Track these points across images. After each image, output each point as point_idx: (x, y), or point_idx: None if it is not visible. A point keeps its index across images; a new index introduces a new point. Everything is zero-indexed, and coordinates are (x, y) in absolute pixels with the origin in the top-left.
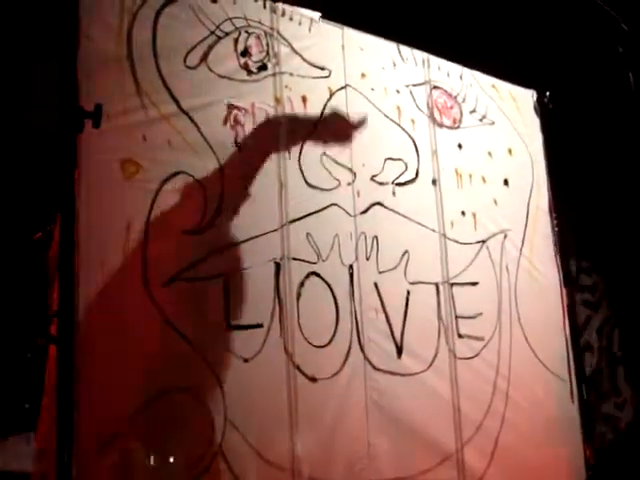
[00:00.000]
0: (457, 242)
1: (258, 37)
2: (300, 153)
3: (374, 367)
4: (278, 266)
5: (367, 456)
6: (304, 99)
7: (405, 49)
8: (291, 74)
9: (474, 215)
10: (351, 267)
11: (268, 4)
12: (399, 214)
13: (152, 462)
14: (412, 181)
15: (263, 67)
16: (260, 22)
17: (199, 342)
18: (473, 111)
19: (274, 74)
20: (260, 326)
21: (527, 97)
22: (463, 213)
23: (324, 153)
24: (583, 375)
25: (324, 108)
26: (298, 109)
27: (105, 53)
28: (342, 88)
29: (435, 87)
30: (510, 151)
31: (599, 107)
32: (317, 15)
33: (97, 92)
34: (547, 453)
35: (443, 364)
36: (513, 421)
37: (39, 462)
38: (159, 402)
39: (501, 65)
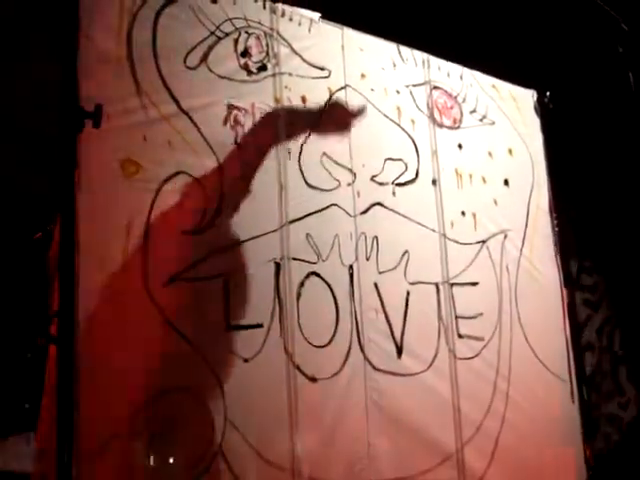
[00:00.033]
0: (457, 242)
1: (258, 38)
2: (300, 153)
3: (374, 367)
4: (278, 266)
5: (367, 456)
6: (304, 99)
7: (405, 49)
8: (290, 74)
9: (474, 215)
10: (351, 267)
11: (268, 5)
12: (399, 214)
13: (152, 462)
14: (412, 181)
15: (263, 67)
16: (260, 23)
17: (199, 342)
18: (473, 111)
19: (274, 74)
20: (260, 326)
21: (527, 97)
22: (463, 213)
23: (324, 153)
24: (583, 375)
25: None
26: None
27: (105, 53)
28: (342, 88)
29: (435, 87)
30: (510, 151)
31: (599, 107)
32: (317, 16)
33: (97, 92)
34: (547, 453)
35: (443, 364)
36: (513, 421)
37: (39, 462)
38: (159, 402)
39: (501, 65)
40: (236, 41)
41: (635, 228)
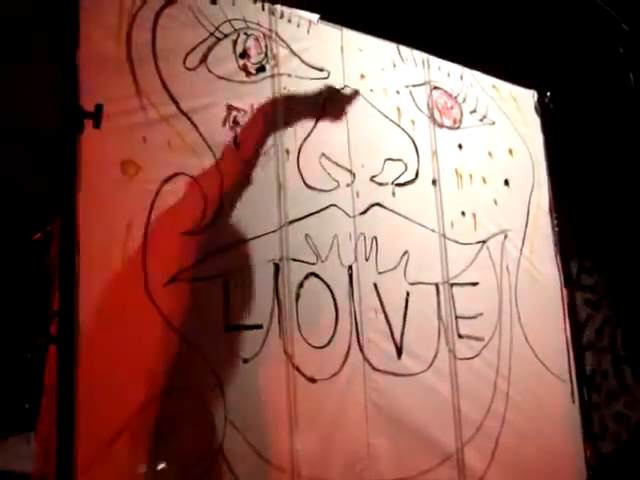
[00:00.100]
0: (457, 242)
1: (257, 39)
2: (299, 154)
3: (374, 368)
4: (277, 267)
5: (367, 456)
6: None
7: (405, 50)
8: (289, 75)
9: (474, 215)
10: (350, 268)
11: (267, 6)
12: (399, 214)
13: (152, 462)
14: (412, 181)
15: (262, 69)
16: (259, 24)
17: (199, 342)
18: (473, 111)
19: (272, 76)
20: (259, 327)
21: (528, 97)
22: (463, 213)
23: (323, 154)
24: (584, 375)
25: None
26: None
27: (105, 54)
28: (341, 89)
29: (435, 87)
30: (511, 151)
31: (600, 107)
32: (315, 17)
33: (97, 93)
34: (547, 453)
35: (443, 364)
36: (513, 421)
37: (39, 462)
38: (159, 402)
39: (501, 65)
40: (235, 42)
41: (635, 228)
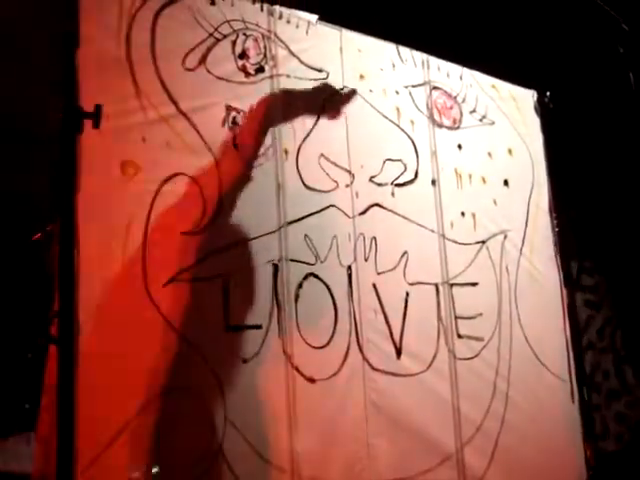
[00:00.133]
0: (456, 242)
1: (256, 40)
2: (297, 155)
3: (373, 368)
4: (276, 267)
5: (367, 456)
6: None
7: (404, 50)
8: (288, 76)
9: (474, 215)
10: (349, 268)
11: (265, 7)
12: (398, 215)
13: (152, 462)
14: (411, 182)
15: (260, 69)
16: (258, 25)
17: (199, 342)
18: (473, 111)
19: (271, 76)
20: (259, 327)
21: (527, 97)
22: (463, 214)
23: (322, 154)
24: (584, 375)
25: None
26: None
27: (105, 54)
28: (340, 90)
29: (435, 88)
30: (510, 151)
31: (600, 107)
32: (314, 18)
33: (97, 93)
34: (547, 453)
35: (442, 365)
36: (513, 421)
37: (39, 463)
38: (159, 402)
39: (501, 65)
40: (234, 43)
41: (636, 228)
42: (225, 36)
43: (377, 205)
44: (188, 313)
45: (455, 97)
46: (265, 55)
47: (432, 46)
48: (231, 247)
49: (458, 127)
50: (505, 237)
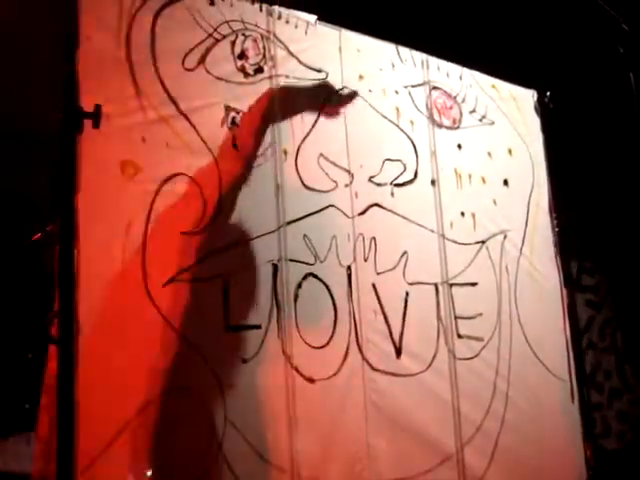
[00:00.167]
0: (456, 242)
1: (255, 40)
2: (297, 155)
3: (373, 368)
4: (275, 267)
5: (367, 457)
6: None
7: (404, 50)
8: (287, 76)
9: (473, 215)
10: (349, 268)
11: (264, 7)
12: (398, 215)
13: (152, 462)
14: (411, 182)
15: (259, 70)
16: (257, 25)
17: (198, 342)
18: (473, 111)
19: (270, 77)
20: (258, 327)
21: (527, 97)
22: (462, 214)
23: (321, 154)
24: (584, 375)
25: (320, 111)
26: None
27: (104, 54)
28: (339, 90)
29: (434, 87)
30: (510, 151)
31: (600, 107)
32: (313, 18)
33: (96, 93)
34: (547, 453)
35: (442, 365)
36: (513, 421)
37: (39, 463)
38: (159, 402)
39: (501, 65)
40: (233, 43)
41: (636, 228)
42: (224, 36)
43: (376, 205)
44: (188, 313)
45: (455, 97)
46: (264, 55)
47: (432, 46)
48: (231, 247)
49: (458, 127)
50: (505, 237)
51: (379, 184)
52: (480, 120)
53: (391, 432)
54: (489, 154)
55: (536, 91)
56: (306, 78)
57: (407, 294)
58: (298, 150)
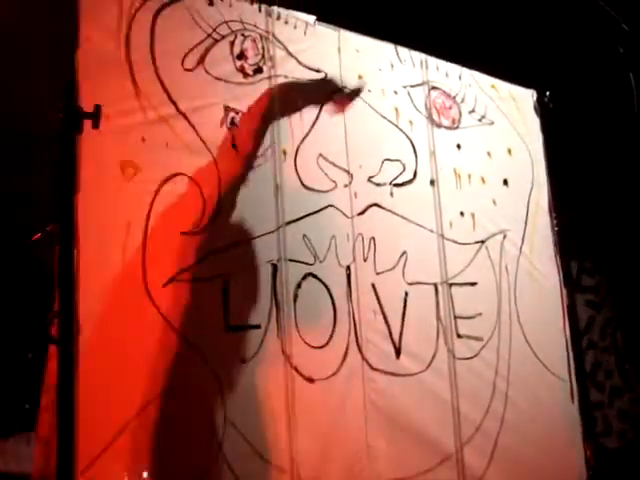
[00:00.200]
0: (456, 242)
1: (254, 40)
2: (296, 155)
3: (372, 367)
4: (275, 267)
5: (366, 457)
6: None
7: (403, 50)
8: (286, 77)
9: (473, 215)
10: (348, 268)
11: (264, 8)
12: (397, 215)
13: (152, 463)
14: (410, 182)
15: (259, 70)
16: (256, 25)
17: (198, 342)
18: (472, 111)
19: (269, 77)
20: (258, 327)
21: (527, 97)
22: (462, 213)
23: (320, 155)
24: (583, 375)
25: (320, 111)
26: None
27: (104, 54)
28: (342, 88)
29: (434, 87)
30: (509, 151)
31: (599, 107)
32: (312, 18)
33: (96, 93)
34: (547, 453)
35: (442, 364)
36: (512, 421)
37: (39, 463)
38: (159, 402)
39: (501, 65)
40: (232, 44)
41: (636, 227)
42: (223, 37)
43: (376, 205)
44: (188, 313)
45: (454, 97)
46: (263, 56)
47: (431, 46)
48: (230, 247)
49: (457, 127)
50: (504, 237)
51: (378, 184)
52: (479, 120)
53: (391, 432)
54: (488, 154)
55: (536, 91)
56: (305, 78)
57: (406, 294)
58: (297, 150)
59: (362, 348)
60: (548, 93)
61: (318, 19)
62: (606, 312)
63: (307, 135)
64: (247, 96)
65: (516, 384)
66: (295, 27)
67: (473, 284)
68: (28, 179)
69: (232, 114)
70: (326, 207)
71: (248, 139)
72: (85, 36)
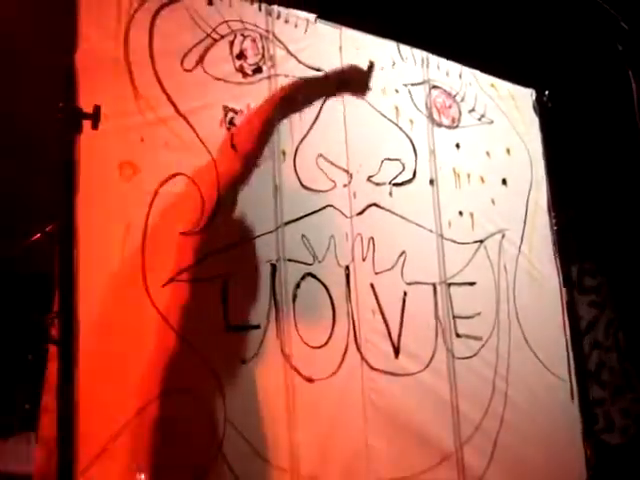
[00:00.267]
0: (454, 242)
1: (254, 40)
2: (295, 154)
3: (371, 367)
4: (274, 267)
5: (366, 456)
6: None
7: (405, 48)
8: (286, 76)
9: (472, 215)
10: (347, 268)
11: (263, 7)
12: (396, 215)
13: (152, 463)
14: (409, 181)
15: (258, 70)
16: (255, 25)
17: (198, 343)
18: (472, 110)
19: (269, 77)
20: (257, 327)
21: (526, 96)
22: (461, 213)
23: (319, 154)
24: (584, 374)
25: (319, 111)
26: None
27: (103, 55)
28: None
29: (434, 86)
30: (509, 150)
31: (598, 106)
32: (313, 17)
33: (95, 94)
34: (547, 453)
35: (441, 364)
36: (512, 421)
37: (39, 463)
38: (159, 402)
39: (500, 64)
40: (232, 43)
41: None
42: (223, 37)
43: (375, 205)
44: (187, 313)
45: (454, 96)
46: (263, 55)
47: (431, 44)
48: (230, 247)
49: (457, 126)
50: (503, 236)
51: (378, 184)
52: (479, 119)
53: (390, 431)
54: (488, 153)
55: (535, 90)
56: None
57: (405, 294)
58: (296, 150)
59: (361, 348)
60: (547, 92)
61: (319, 17)
62: (608, 312)
63: (306, 135)
64: (246, 96)
65: (516, 383)
66: (296, 26)
67: (472, 284)
68: (28, 179)
69: (231, 114)
70: (325, 207)
71: (247, 139)
72: (84, 37)
